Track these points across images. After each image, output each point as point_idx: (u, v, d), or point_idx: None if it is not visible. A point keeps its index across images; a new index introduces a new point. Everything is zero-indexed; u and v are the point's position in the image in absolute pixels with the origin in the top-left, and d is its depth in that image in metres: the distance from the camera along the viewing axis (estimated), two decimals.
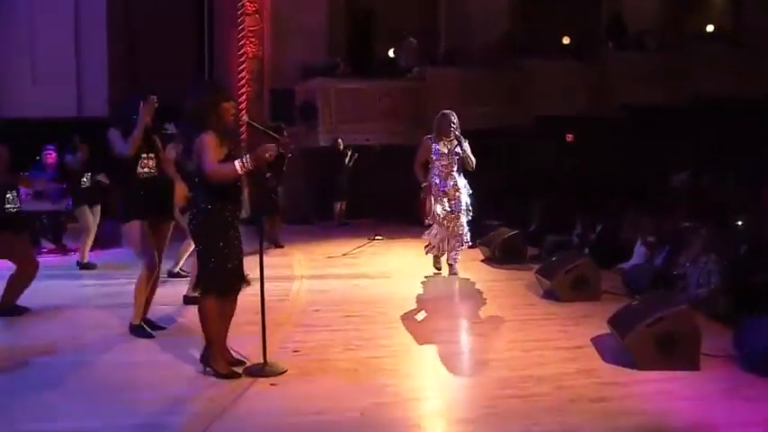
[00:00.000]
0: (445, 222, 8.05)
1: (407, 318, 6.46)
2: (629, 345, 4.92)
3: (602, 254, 9.48)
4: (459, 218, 8.07)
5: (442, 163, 8.03)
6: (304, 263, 9.56)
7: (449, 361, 5.20)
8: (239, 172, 4.54)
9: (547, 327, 6.05)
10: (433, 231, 8.15)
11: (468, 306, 6.99)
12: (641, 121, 14.97)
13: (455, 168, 8.05)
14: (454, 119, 7.99)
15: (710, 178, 14.24)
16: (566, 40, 17.67)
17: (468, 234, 8.21)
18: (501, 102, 15.04)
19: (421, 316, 6.57)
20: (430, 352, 5.41)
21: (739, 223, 10.27)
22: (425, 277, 8.29)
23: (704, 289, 7.60)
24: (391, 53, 16.97)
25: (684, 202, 12.72)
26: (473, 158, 8.03)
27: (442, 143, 8.04)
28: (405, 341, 5.69)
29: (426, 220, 8.15)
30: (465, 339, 6.03)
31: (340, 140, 13.88)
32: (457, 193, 8.05)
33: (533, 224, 11.44)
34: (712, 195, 13.09)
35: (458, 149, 8.00)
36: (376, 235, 11.56)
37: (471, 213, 8.22)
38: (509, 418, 4.10)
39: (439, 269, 8.44)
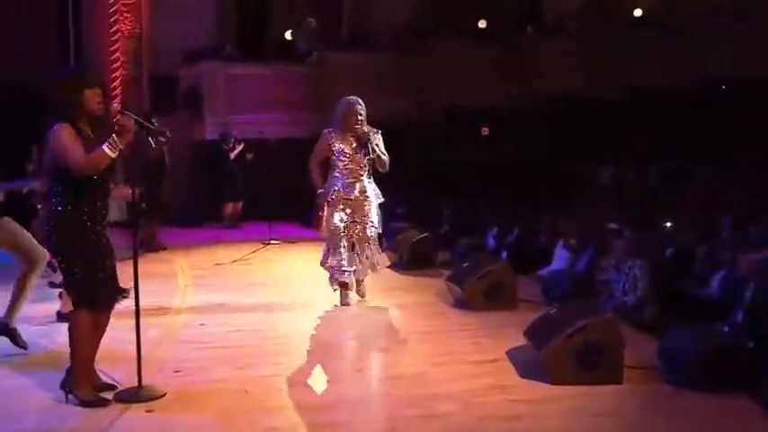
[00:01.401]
0: (345, 239, 7.12)
1: (304, 331, 6.40)
2: (546, 358, 4.99)
3: (520, 258, 9.66)
4: (365, 232, 7.18)
5: (346, 164, 7.10)
6: (189, 270, 9.40)
7: (349, 378, 5.19)
8: (111, 155, 4.41)
9: (458, 339, 6.11)
10: (331, 253, 7.18)
11: (372, 317, 6.99)
12: (562, 112, 15.34)
13: (363, 171, 7.16)
14: (361, 107, 7.06)
15: (637, 175, 14.75)
16: (482, 24, 17.94)
17: (378, 255, 7.43)
18: (410, 91, 15.19)
19: (319, 329, 6.53)
20: (328, 368, 5.38)
21: (668, 224, 10.68)
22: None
23: (631, 296, 7.86)
24: (288, 35, 16.86)
25: (609, 200, 13.14)
26: (386, 157, 7.12)
27: (345, 139, 7.10)
28: (300, 357, 5.64)
29: (321, 235, 7.38)
30: (367, 354, 6.02)
31: (229, 133, 13.69)
32: (365, 204, 7.15)
33: (445, 226, 11.57)
34: (639, 194, 13.55)
35: (367, 148, 7.05)
36: (271, 239, 11.45)
37: (378, 229, 7.34)
38: None
39: (347, 304, 7.24)
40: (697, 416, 4.51)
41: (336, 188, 7.13)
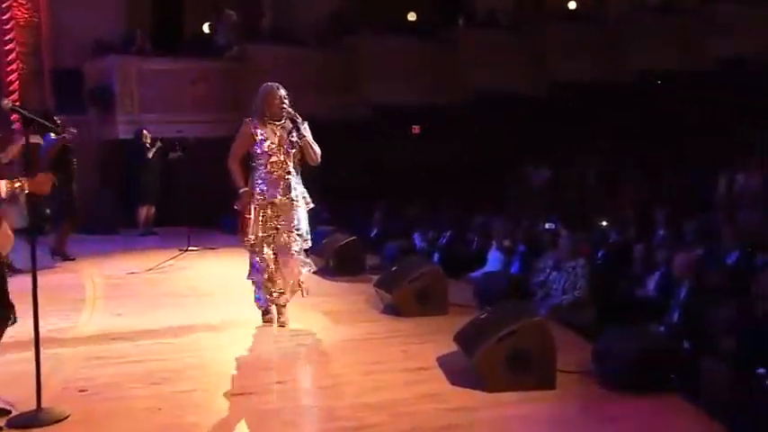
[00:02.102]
0: (267, 250, 6.54)
1: (224, 344, 6.32)
2: (477, 364, 5.03)
3: (452, 261, 9.75)
4: (289, 244, 6.55)
5: (272, 160, 6.47)
6: (99, 281, 9.18)
7: (271, 391, 5.13)
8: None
9: (387, 346, 6.11)
10: (255, 267, 6.62)
11: (297, 326, 6.92)
12: (494, 109, 15.50)
13: (290, 165, 6.57)
14: (284, 92, 6.51)
15: (572, 174, 15.00)
16: (411, 17, 18.01)
17: (305, 274, 6.77)
18: (335, 87, 15.18)
19: (240, 340, 6.44)
20: (249, 381, 5.31)
21: (603, 224, 10.89)
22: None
23: (568, 296, 7.99)
24: (206, 28, 16.67)
25: (543, 200, 13.34)
26: (317, 148, 6.56)
27: (269, 128, 6.48)
28: (219, 371, 5.55)
29: (247, 243, 6.59)
30: (291, 365, 5.95)
31: (146, 132, 13.45)
32: (291, 209, 6.54)
33: (374, 229, 11.59)
34: (573, 193, 13.78)
35: (293, 137, 6.50)
36: (189, 246, 11.28)
37: (307, 239, 6.70)
38: None
39: (270, 321, 6.80)
40: (631, 419, 4.59)
41: (260, 189, 6.46)
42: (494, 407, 4.75)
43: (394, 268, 7.76)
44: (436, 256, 10.30)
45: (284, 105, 6.47)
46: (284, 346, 6.31)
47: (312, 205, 6.74)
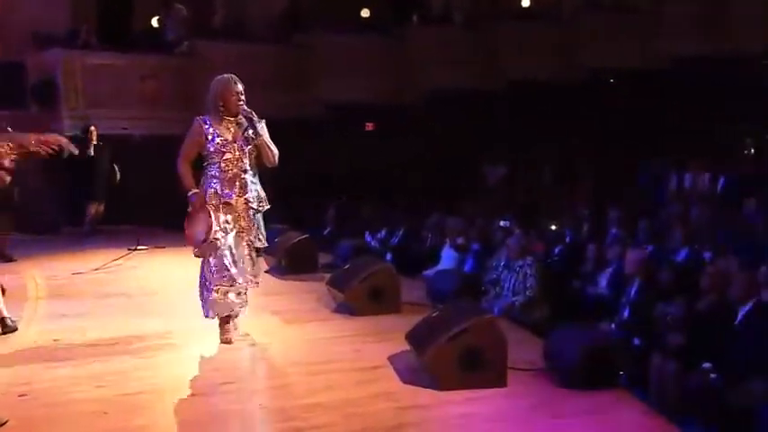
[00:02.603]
0: (226, 251, 6.08)
1: (171, 344, 6.27)
2: (428, 362, 5.06)
3: (406, 259, 9.81)
4: (247, 247, 6.22)
5: (226, 157, 6.06)
6: (42, 281, 9.04)
7: (219, 392, 5.10)
8: None
9: (338, 346, 6.13)
10: (212, 274, 6.09)
11: (246, 326, 6.87)
12: (449, 107, 15.58)
13: (246, 163, 6.15)
14: (240, 85, 6.11)
15: (527, 173, 15.16)
16: (364, 13, 18.02)
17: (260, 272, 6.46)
18: (288, 84, 15.13)
19: (188, 340, 6.39)
20: (197, 383, 5.29)
21: (554, 224, 11.03)
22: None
23: (521, 295, 8.09)
24: (155, 23, 16.48)
25: (498, 199, 13.47)
26: (275, 148, 6.18)
27: (223, 125, 6.08)
28: (167, 372, 5.52)
29: (195, 251, 6.14)
30: (239, 365, 5.93)
31: (93, 128, 13.27)
32: (248, 207, 6.16)
33: (327, 227, 11.60)
34: (528, 191, 13.92)
35: (249, 133, 6.11)
36: (138, 244, 11.17)
37: (262, 241, 6.36)
38: None
39: (229, 341, 6.22)
40: (581, 416, 4.66)
41: (213, 189, 6.02)
42: (445, 405, 4.79)
43: (347, 267, 7.78)
44: (389, 255, 10.35)
45: (241, 101, 6.08)
46: (234, 346, 6.29)
47: (268, 206, 6.31)
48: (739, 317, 6.11)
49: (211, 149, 6.06)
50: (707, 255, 8.17)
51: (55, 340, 6.39)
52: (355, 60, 15.80)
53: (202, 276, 6.17)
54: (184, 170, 6.10)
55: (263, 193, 6.26)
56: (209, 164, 6.11)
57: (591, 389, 4.94)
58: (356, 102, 15.43)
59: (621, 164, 14.65)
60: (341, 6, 17.15)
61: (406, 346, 5.59)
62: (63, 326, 6.90)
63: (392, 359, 5.65)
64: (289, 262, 9.22)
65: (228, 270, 6.07)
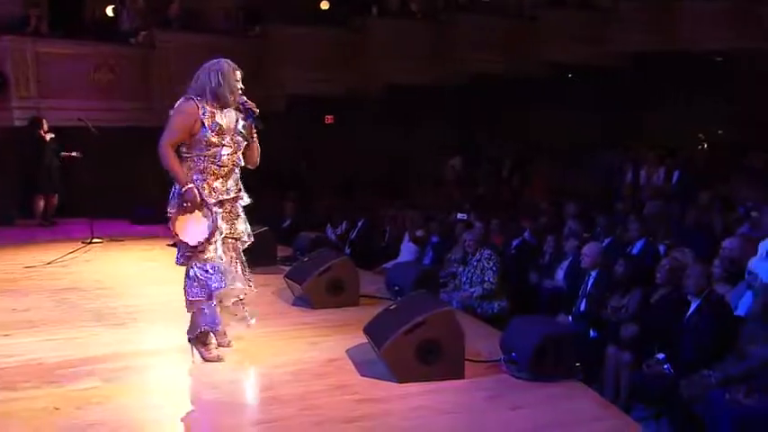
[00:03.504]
0: (222, 255, 5.47)
1: (127, 337, 6.21)
2: (386, 355, 5.07)
3: (365, 252, 9.82)
4: (238, 249, 5.72)
5: (225, 150, 5.39)
6: None
7: (175, 387, 5.08)
8: None
9: (296, 339, 6.11)
10: (205, 279, 5.39)
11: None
12: (408, 100, 15.60)
13: (240, 160, 5.55)
14: (240, 76, 5.46)
15: (485, 167, 15.24)
16: (324, 5, 17.98)
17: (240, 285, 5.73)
18: (246, 76, 14.97)
19: (144, 334, 6.35)
20: (151, 377, 5.26)
21: (515, 216, 11.10)
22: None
23: (479, 288, 8.14)
24: (110, 12, 16.25)
25: (456, 192, 13.54)
26: (258, 146, 5.66)
27: (219, 113, 5.36)
28: (120, 367, 5.46)
29: (186, 254, 5.43)
30: (194, 359, 5.88)
31: (44, 119, 13.08)
32: (237, 208, 5.63)
33: (286, 220, 11.56)
34: (486, 185, 13.99)
35: (240, 127, 5.47)
36: (93, 237, 11.03)
37: (247, 241, 5.79)
38: None
39: (218, 358, 5.53)
40: (537, 406, 4.72)
41: (208, 184, 5.36)
42: (403, 397, 4.81)
43: (305, 259, 7.76)
44: (348, 248, 10.36)
45: (240, 90, 5.45)
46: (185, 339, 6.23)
47: (249, 201, 5.73)
48: (692, 309, 6.20)
49: (206, 139, 5.29)
50: (662, 248, 8.28)
51: (5, 335, 6.27)
52: (314, 53, 15.72)
53: (191, 287, 5.42)
54: (172, 158, 5.27)
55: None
56: (195, 155, 5.34)
57: (547, 380, 5.00)
58: (315, 94, 15.36)
59: (579, 158, 14.81)
60: None
61: (365, 339, 5.60)
62: (14, 319, 6.80)
63: (350, 352, 5.66)
64: (247, 255, 9.14)
65: (224, 275, 5.42)
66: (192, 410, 4.72)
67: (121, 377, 5.22)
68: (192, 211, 5.27)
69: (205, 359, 5.47)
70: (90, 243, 10.86)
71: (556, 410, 4.68)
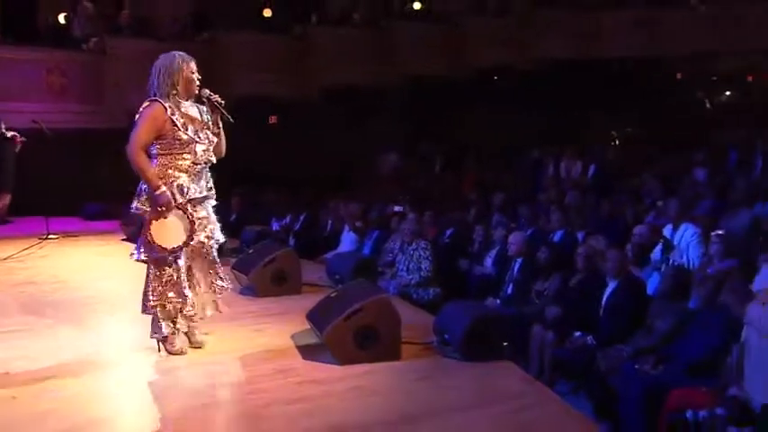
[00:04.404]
0: (183, 260, 5.02)
1: (80, 327, 6.05)
2: (327, 339, 5.04)
3: (308, 243, 9.75)
4: (210, 250, 5.23)
5: (197, 147, 4.96)
6: None
7: (125, 373, 4.97)
8: None
9: (243, 326, 6.00)
10: (167, 285, 5.01)
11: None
12: (347, 102, 15.58)
13: (212, 157, 5.11)
14: (194, 66, 5.06)
15: (419, 162, 15.29)
16: (267, 13, 17.83)
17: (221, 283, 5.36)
18: (205, 80, 14.80)
19: (95, 326, 6.18)
20: (107, 366, 5.11)
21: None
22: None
23: (415, 275, 8.14)
24: (62, 19, 15.87)
25: (393, 185, 13.55)
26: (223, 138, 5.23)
27: (184, 109, 4.96)
28: (75, 356, 5.30)
29: (161, 253, 4.94)
30: (145, 347, 5.70)
31: (1, 121, 12.69)
32: (207, 207, 5.19)
33: (232, 214, 11.43)
34: (420, 179, 14.03)
35: (208, 120, 5.09)
36: (48, 234, 10.75)
37: (219, 240, 5.34)
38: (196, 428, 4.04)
39: (181, 351, 5.18)
40: (468, 384, 4.73)
41: (180, 185, 4.91)
42: (342, 379, 4.77)
43: (251, 251, 7.69)
44: (292, 240, 10.28)
45: (198, 81, 5.04)
46: (140, 330, 6.09)
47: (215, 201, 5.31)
48: (610, 289, 6.30)
49: (178, 139, 4.88)
50: (580, 235, 8.39)
51: None
52: (260, 57, 15.58)
53: (150, 288, 5.04)
54: (144, 161, 4.84)
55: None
56: (168, 154, 4.91)
57: (477, 359, 5.01)
58: (260, 96, 15.23)
59: (504, 154, 14.95)
60: (244, 6, 16.91)
61: (307, 325, 5.55)
62: None
63: (294, 337, 5.60)
64: None
65: (183, 281, 5.01)
66: (143, 397, 4.60)
67: (75, 368, 5.07)
68: (166, 215, 4.85)
69: (170, 353, 5.16)
70: (46, 239, 10.58)
71: (485, 387, 4.70)
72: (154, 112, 4.85)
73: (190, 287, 5.08)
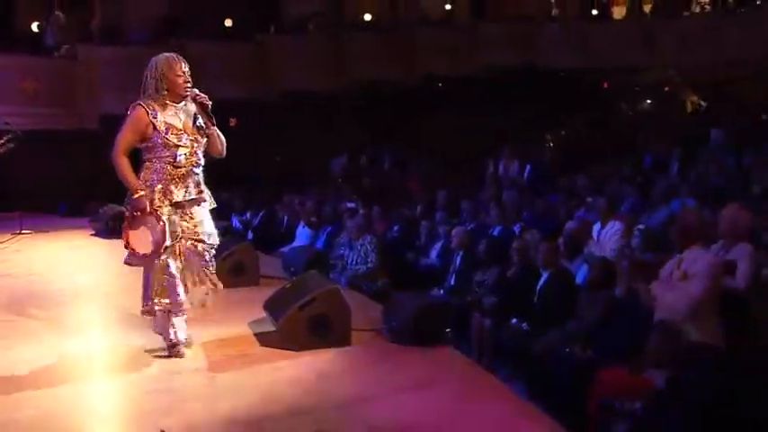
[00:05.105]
0: (174, 263, 4.65)
1: (55, 319, 5.88)
2: (283, 327, 5.01)
3: (265, 238, 9.64)
4: (200, 253, 4.78)
5: (180, 151, 4.57)
6: None
7: (74, 362, 4.81)
8: None
9: (202, 316, 5.87)
10: (163, 287, 4.64)
11: (111, 301, 6.48)
12: (303, 105, 15.49)
13: (200, 159, 4.71)
14: (186, 67, 4.68)
15: (370, 163, 15.24)
16: (228, 22, 17.66)
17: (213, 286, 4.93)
18: None
19: (73, 313, 6.04)
20: (66, 359, 4.92)
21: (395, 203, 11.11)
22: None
23: (363, 267, 8.09)
24: (35, 27, 15.51)
25: (345, 184, 13.48)
26: (222, 137, 4.87)
27: (169, 113, 4.60)
28: (49, 350, 5.09)
29: (132, 260, 4.71)
30: (98, 334, 5.56)
31: None
32: (199, 211, 4.77)
33: None
34: (370, 179, 13.98)
35: (200, 122, 4.68)
36: (22, 229, 10.47)
37: (214, 245, 4.91)
38: (151, 414, 3.94)
39: (181, 355, 4.78)
40: (413, 367, 4.71)
41: (162, 188, 4.55)
42: (296, 365, 4.72)
43: None
44: (251, 234, 10.16)
45: (189, 83, 4.66)
46: (98, 320, 5.92)
47: (215, 205, 4.94)
48: (543, 280, 6.32)
49: (159, 142, 4.52)
50: (517, 229, 8.41)
51: None
52: (223, 64, 15.38)
53: (147, 292, 4.70)
54: (125, 165, 4.51)
55: (208, 191, 4.85)
56: (154, 157, 4.57)
57: (422, 344, 4.98)
58: (224, 100, 15.00)
59: (448, 154, 14.99)
60: (207, 16, 16.71)
61: (264, 314, 5.48)
62: None
63: (251, 325, 5.52)
64: None
65: (177, 284, 4.65)
66: (93, 384, 4.51)
67: (51, 359, 4.89)
68: (141, 220, 4.48)
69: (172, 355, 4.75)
70: (19, 234, 10.32)
71: (429, 370, 4.68)
72: (135, 116, 4.55)
73: (184, 288, 4.72)
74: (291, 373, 4.61)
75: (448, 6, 20.04)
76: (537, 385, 5.12)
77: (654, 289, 4.84)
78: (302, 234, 9.75)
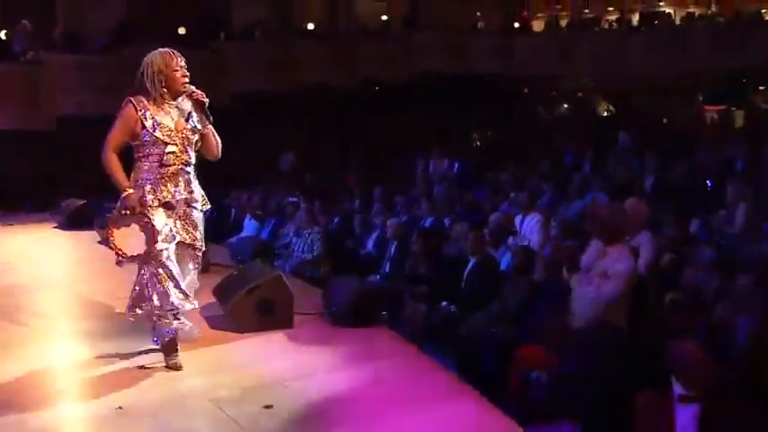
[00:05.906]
0: (171, 263, 4.13)
1: (19, 305, 5.66)
2: (231, 311, 4.97)
3: (214, 229, 9.42)
4: (186, 257, 4.32)
5: (169, 150, 4.09)
6: None
7: (36, 353, 4.62)
8: None
9: None
10: (156, 290, 4.09)
11: (75, 289, 6.27)
12: (252, 107, 15.31)
13: (191, 157, 4.24)
14: (183, 62, 4.20)
15: (313, 160, 15.11)
16: (181, 30, 17.30)
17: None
18: (119, 88, 14.12)
19: (37, 293, 5.88)
20: (24, 352, 4.70)
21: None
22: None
23: (308, 256, 8.00)
24: (2, 35, 15.03)
25: (290, 180, 13.33)
26: (218, 137, 4.42)
27: (161, 109, 4.12)
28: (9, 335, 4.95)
29: (126, 260, 4.09)
30: (59, 319, 5.40)
31: None
32: (191, 212, 4.27)
33: None
34: (314, 175, 13.84)
35: (194, 120, 4.23)
36: None
37: (202, 248, 4.41)
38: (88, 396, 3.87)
39: (177, 367, 4.22)
40: (351, 346, 4.70)
41: (151, 188, 4.08)
42: (243, 346, 4.68)
43: None
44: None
45: (186, 76, 4.19)
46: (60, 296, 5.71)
47: (209, 206, 4.46)
48: (470, 266, 6.33)
49: (148, 140, 4.05)
50: (447, 221, 8.42)
51: None
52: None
53: (137, 293, 4.16)
54: (113, 163, 4.05)
55: (202, 191, 4.36)
56: (144, 156, 4.09)
57: (359, 326, 4.98)
58: None
59: (383, 152, 14.97)
60: (162, 25, 16.30)
61: (214, 299, 5.36)
62: None
63: (202, 309, 5.34)
64: None
65: (171, 296, 4.12)
66: (63, 364, 4.39)
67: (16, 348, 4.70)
68: (129, 219, 4.01)
69: (167, 365, 4.23)
70: None
71: (365, 349, 4.68)
72: (125, 113, 4.07)
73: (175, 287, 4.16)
74: (239, 352, 4.56)
75: (384, 17, 20.14)
76: (465, 362, 5.13)
77: (573, 281, 4.83)
78: (249, 225, 9.59)
